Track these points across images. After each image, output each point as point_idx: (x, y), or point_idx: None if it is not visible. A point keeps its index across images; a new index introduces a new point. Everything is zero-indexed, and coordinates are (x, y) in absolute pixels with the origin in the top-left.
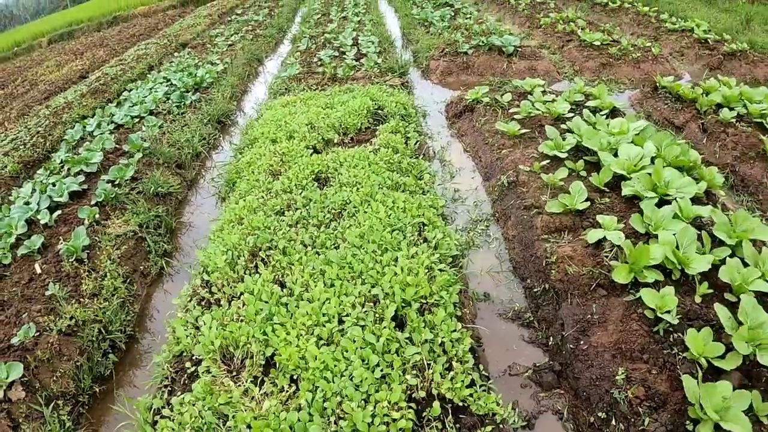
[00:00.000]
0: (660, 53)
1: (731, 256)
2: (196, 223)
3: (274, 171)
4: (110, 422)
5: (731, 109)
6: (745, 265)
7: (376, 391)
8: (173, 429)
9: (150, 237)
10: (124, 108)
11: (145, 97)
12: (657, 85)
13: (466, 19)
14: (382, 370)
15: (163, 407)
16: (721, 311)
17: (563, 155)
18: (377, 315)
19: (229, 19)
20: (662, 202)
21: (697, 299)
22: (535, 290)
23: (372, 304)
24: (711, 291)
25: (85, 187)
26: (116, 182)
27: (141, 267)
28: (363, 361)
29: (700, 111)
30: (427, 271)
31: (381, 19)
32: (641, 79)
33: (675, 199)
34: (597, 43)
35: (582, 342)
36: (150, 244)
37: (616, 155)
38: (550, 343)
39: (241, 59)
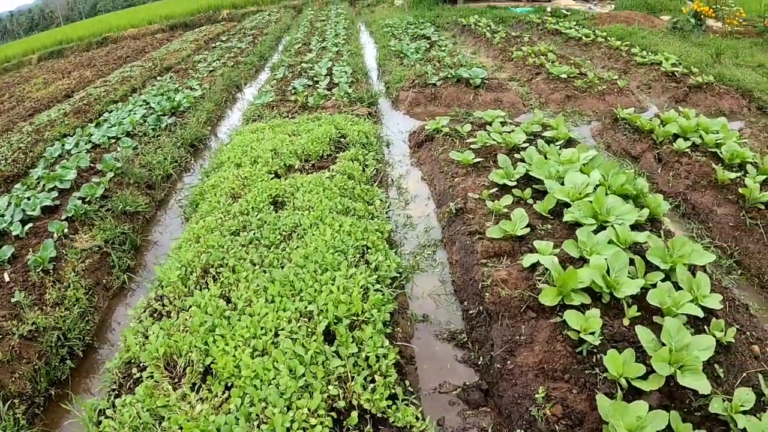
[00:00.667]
0: (626, 86)
1: (665, 280)
2: (161, 241)
3: (235, 194)
4: (62, 422)
5: (686, 139)
6: (678, 288)
7: (299, 399)
8: (114, 428)
9: (114, 253)
10: (103, 128)
11: (124, 118)
12: (617, 116)
13: (441, 51)
14: (306, 380)
15: (107, 408)
16: (642, 333)
17: (512, 183)
18: (310, 329)
19: (214, 45)
20: (602, 229)
21: (626, 322)
22: (471, 312)
23: (307, 319)
24: (640, 314)
25: (58, 202)
26: (87, 199)
27: (104, 280)
28: (290, 371)
29: (657, 141)
30: (362, 290)
31: (359, 50)
32: (605, 111)
33: (612, 225)
34: (564, 75)
35: (509, 362)
36: (114, 260)
37: (563, 184)
38: (480, 363)
39: (220, 85)
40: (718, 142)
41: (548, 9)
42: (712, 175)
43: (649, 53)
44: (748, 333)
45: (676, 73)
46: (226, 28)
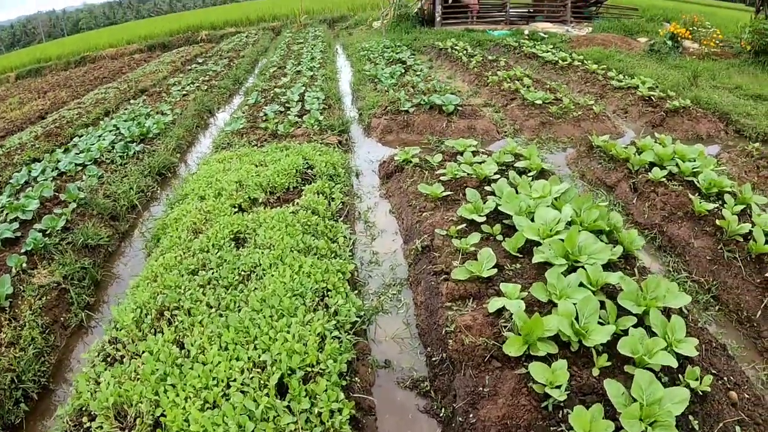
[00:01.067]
0: (602, 111)
1: (637, 325)
2: (124, 275)
3: (197, 229)
4: None
5: (662, 167)
6: (652, 334)
7: None
8: None
9: (74, 289)
10: (71, 155)
11: (92, 144)
12: (592, 144)
13: (416, 75)
14: None
15: None
16: (611, 387)
17: (481, 219)
18: (262, 381)
19: (190, 67)
20: (573, 270)
21: (595, 372)
22: (434, 359)
23: (260, 369)
24: (611, 363)
25: (19, 234)
26: (47, 232)
27: (62, 318)
28: (240, 427)
29: (632, 170)
30: (318, 338)
31: (334, 74)
32: (581, 137)
33: (584, 266)
34: (539, 101)
35: (471, 415)
36: (73, 296)
37: (533, 220)
38: (443, 414)
39: (192, 110)
40: (695, 170)
41: (526, 32)
42: (689, 205)
43: (626, 77)
44: (725, 378)
45: (652, 97)
46: (204, 49)
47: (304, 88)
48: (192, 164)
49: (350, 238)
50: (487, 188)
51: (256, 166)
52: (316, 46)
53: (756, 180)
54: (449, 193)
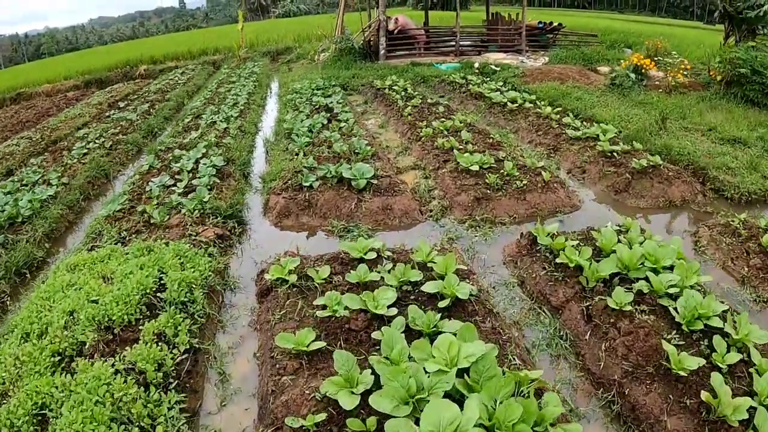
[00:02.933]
0: (553, 176)
1: None
2: None
3: (5, 390)
4: None
5: (629, 285)
6: None
7: None
8: None
9: None
10: None
11: None
12: (536, 237)
13: (338, 130)
14: None
15: None
16: None
17: (354, 402)
18: None
19: (109, 114)
20: None
21: None
22: None
23: None
24: None
25: None
26: None
27: None
28: None
29: (586, 287)
30: None
31: (253, 126)
32: (526, 214)
33: None
34: (475, 168)
35: None
36: None
37: (418, 423)
38: None
39: (83, 177)
40: (671, 287)
41: (476, 65)
42: (663, 355)
43: (584, 123)
44: None
45: (615, 154)
46: (138, 86)
47: (206, 149)
48: (63, 256)
49: (179, 419)
50: (377, 335)
51: (104, 281)
52: (245, 87)
53: (746, 272)
54: (323, 344)
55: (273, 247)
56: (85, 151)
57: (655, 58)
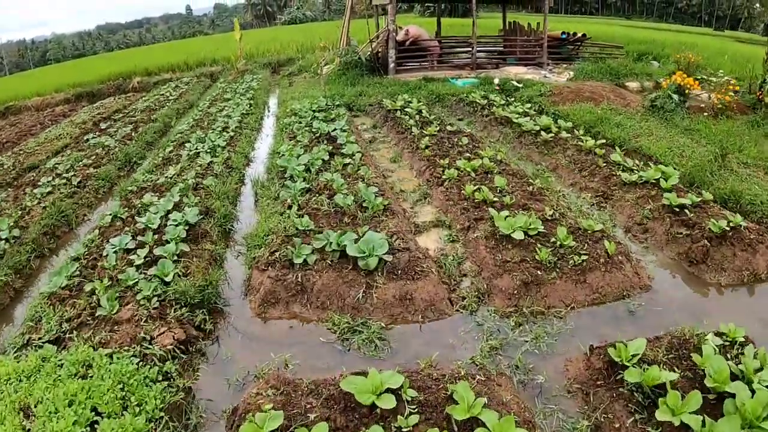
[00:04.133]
0: (618, 251)
1: None
2: None
3: None
4: None
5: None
6: None
7: None
8: None
9: None
10: None
11: None
12: (612, 359)
13: (345, 163)
14: None
15: None
16: None
17: None
18: None
19: (87, 139)
20: None
21: None
22: None
23: None
24: None
25: None
26: None
27: None
28: None
29: None
30: None
31: (244, 158)
32: (588, 301)
33: None
34: (518, 236)
35: None
36: None
37: None
38: None
39: (39, 227)
40: None
41: (496, 80)
42: None
43: (636, 162)
44: None
45: (686, 210)
46: (129, 101)
47: (180, 195)
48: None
49: None
50: None
51: (24, 417)
52: (239, 106)
53: None
54: None
55: (254, 354)
56: (50, 189)
57: (700, 77)
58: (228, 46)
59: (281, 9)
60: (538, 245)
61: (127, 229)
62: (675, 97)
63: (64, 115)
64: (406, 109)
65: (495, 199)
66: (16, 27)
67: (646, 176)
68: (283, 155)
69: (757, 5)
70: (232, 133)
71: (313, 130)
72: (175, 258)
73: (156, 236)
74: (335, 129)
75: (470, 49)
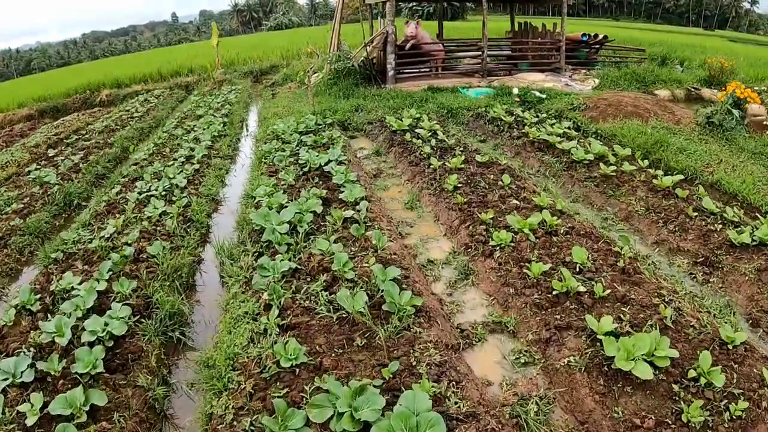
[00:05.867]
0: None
1: None
2: None
3: None
4: None
5: None
6: None
7: None
8: None
9: None
10: None
11: None
12: None
13: (345, 219)
14: None
15: None
16: None
17: None
18: None
19: (29, 170)
20: None
21: None
22: None
23: None
24: None
25: None
26: None
27: None
28: None
29: None
30: None
31: (209, 203)
32: None
33: None
34: (643, 372)
35: None
36: None
37: None
38: None
39: None
40: None
41: (515, 90)
42: None
43: (736, 211)
44: None
45: None
46: (94, 118)
47: (110, 278)
48: None
49: None
50: None
51: None
52: (212, 126)
53: None
54: None
55: None
56: None
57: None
58: (207, 53)
59: (267, 15)
60: (675, 387)
61: (31, 339)
62: (735, 112)
63: (22, 134)
64: (416, 130)
65: (580, 287)
66: (1, 37)
67: (761, 236)
68: (259, 204)
69: (745, 4)
70: (197, 165)
71: (301, 162)
72: (86, 413)
73: (63, 364)
74: (329, 161)
75: (479, 53)
